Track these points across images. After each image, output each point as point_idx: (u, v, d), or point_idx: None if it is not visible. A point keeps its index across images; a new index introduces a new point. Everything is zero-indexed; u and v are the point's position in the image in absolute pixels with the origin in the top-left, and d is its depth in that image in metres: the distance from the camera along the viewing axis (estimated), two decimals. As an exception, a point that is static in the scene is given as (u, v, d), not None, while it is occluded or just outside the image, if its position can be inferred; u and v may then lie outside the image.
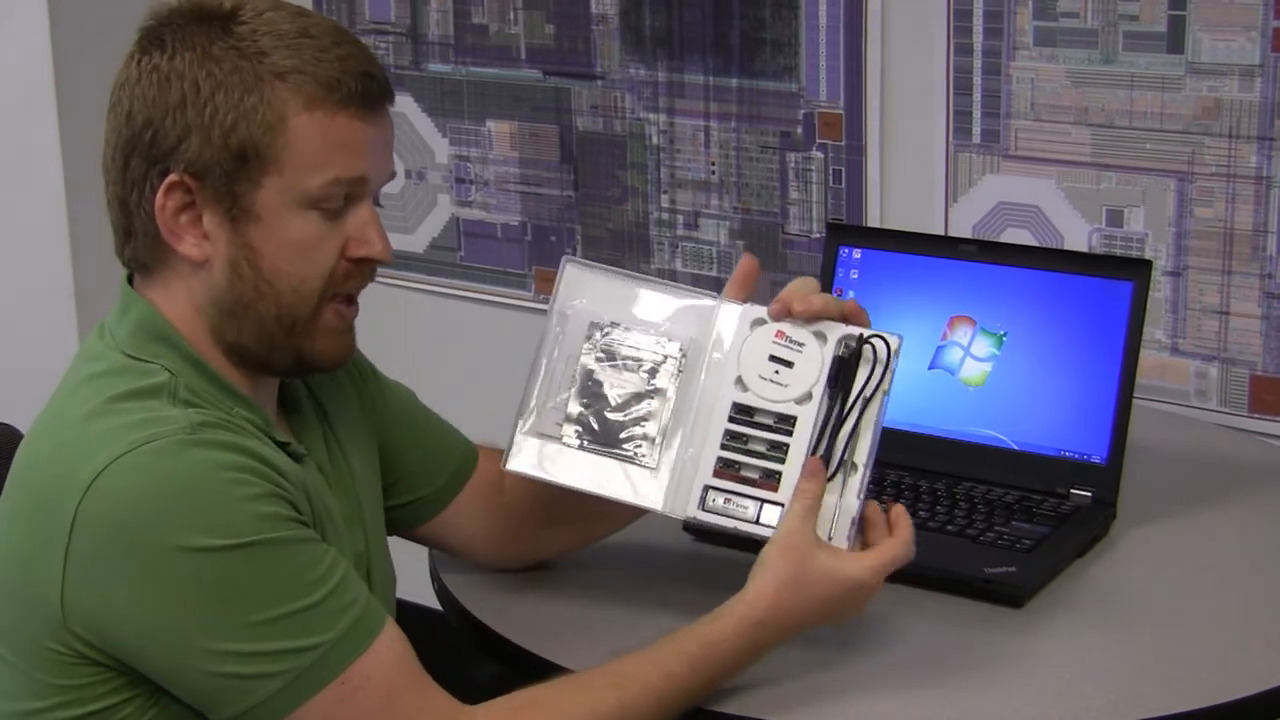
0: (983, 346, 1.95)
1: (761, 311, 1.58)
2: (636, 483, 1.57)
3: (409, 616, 1.66)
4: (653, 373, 1.59)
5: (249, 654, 1.37)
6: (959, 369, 1.96)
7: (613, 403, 1.59)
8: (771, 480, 1.54)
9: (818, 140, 2.54)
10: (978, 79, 2.38)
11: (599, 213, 2.79)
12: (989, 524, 1.82)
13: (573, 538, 1.76)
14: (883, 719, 1.51)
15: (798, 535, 1.50)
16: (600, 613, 1.69)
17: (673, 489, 1.57)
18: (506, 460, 1.59)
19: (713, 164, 2.65)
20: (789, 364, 1.56)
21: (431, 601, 1.78)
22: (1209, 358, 2.28)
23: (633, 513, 1.67)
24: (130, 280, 1.52)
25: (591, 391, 1.59)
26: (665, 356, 1.60)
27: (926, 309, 1.97)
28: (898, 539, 1.52)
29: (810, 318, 1.56)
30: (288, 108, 1.43)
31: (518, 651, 1.62)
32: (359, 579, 1.45)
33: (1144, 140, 2.27)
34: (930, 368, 1.96)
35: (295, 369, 1.53)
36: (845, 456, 1.53)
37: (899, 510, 1.55)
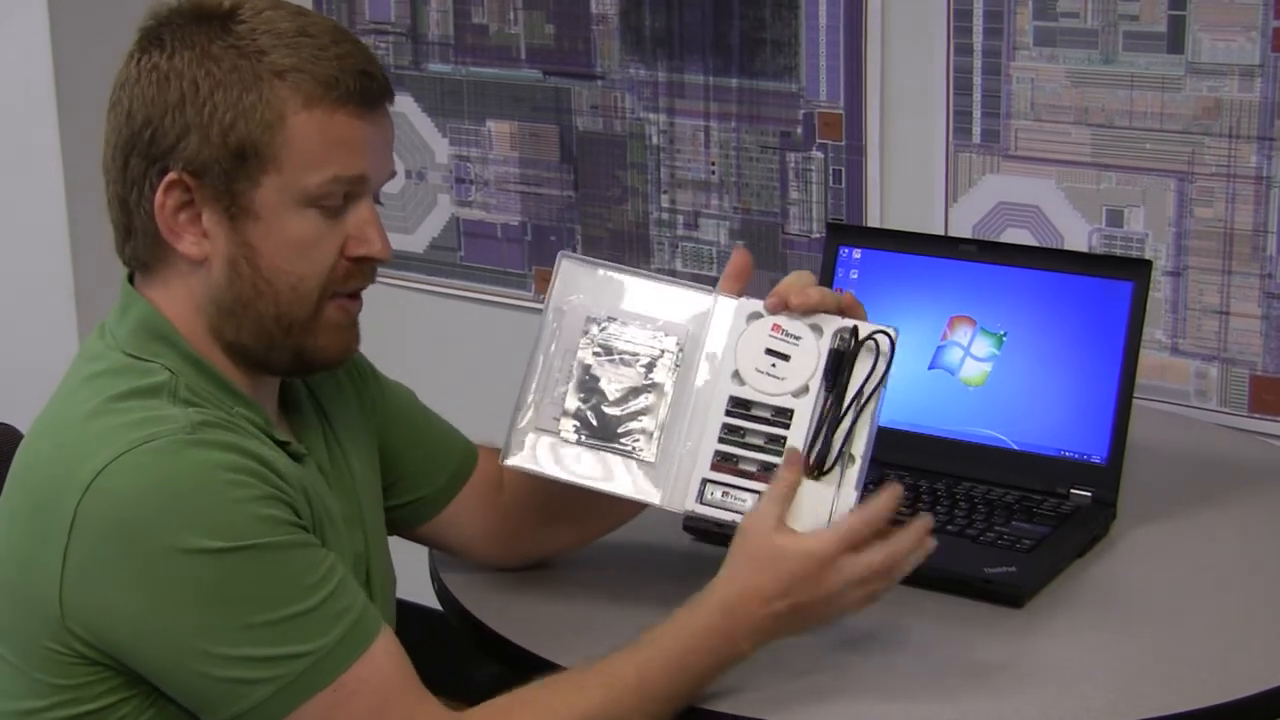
0: (983, 346, 1.95)
1: (758, 305, 1.58)
2: (635, 477, 1.58)
3: (409, 616, 1.66)
4: (650, 367, 1.59)
5: (243, 657, 1.37)
6: (959, 369, 1.96)
7: (610, 397, 1.59)
8: (769, 473, 1.54)
9: (818, 140, 2.54)
10: (978, 79, 2.38)
11: (599, 213, 2.79)
12: (989, 524, 1.81)
13: (572, 536, 1.76)
14: (882, 719, 1.51)
15: (759, 518, 1.50)
16: (600, 612, 1.68)
17: (671, 483, 1.57)
18: (505, 456, 1.59)
19: (713, 164, 2.65)
20: (785, 357, 1.56)
21: (431, 601, 1.77)
22: (1209, 358, 2.28)
23: (631, 509, 1.67)
24: (131, 280, 1.52)
25: (589, 386, 1.59)
26: (662, 351, 1.60)
27: (926, 309, 1.97)
28: (858, 511, 1.50)
29: (807, 311, 1.56)
30: (286, 106, 1.43)
31: (517, 651, 1.62)
32: (356, 584, 1.45)
33: (1144, 140, 2.27)
34: (930, 368, 1.96)
35: (294, 368, 1.53)
36: (843, 449, 1.53)
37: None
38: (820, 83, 2.52)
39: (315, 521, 1.46)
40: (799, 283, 1.58)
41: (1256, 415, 2.25)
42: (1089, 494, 1.87)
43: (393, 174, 1.52)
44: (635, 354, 1.60)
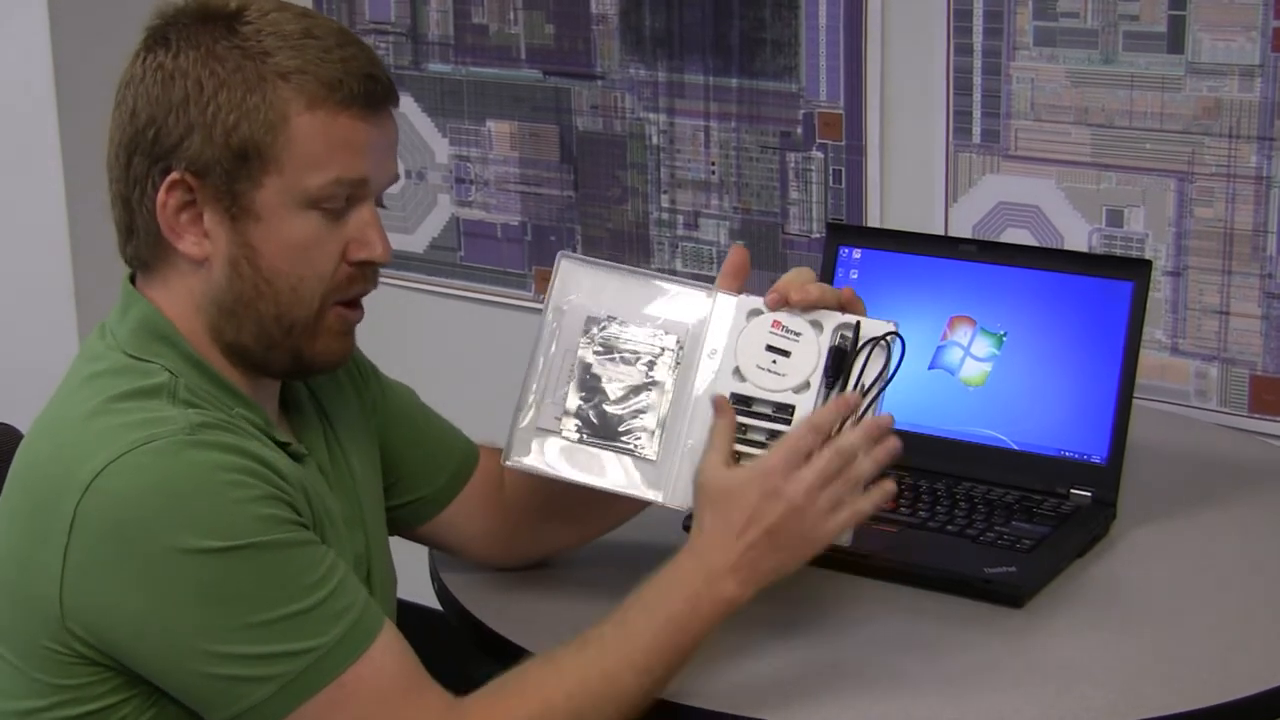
0: (983, 346, 1.95)
1: (758, 302, 1.58)
2: (636, 475, 1.58)
3: (409, 616, 1.66)
4: (650, 365, 1.60)
5: (244, 656, 1.37)
6: (959, 369, 1.96)
7: (611, 396, 1.59)
8: None
9: (818, 140, 2.54)
10: (978, 79, 2.38)
11: (599, 213, 2.79)
12: (989, 524, 1.81)
13: (572, 535, 1.76)
14: (882, 719, 1.51)
15: (707, 467, 1.51)
16: (600, 612, 1.68)
17: (672, 480, 1.57)
18: (507, 456, 1.60)
19: (713, 164, 2.65)
20: (786, 353, 1.56)
21: (431, 601, 1.78)
22: (1209, 358, 2.28)
23: (632, 506, 1.67)
24: (132, 279, 1.52)
25: (590, 385, 1.60)
26: (662, 349, 1.60)
27: (926, 309, 1.97)
28: (800, 421, 1.51)
29: (807, 307, 1.56)
30: (290, 107, 1.43)
31: (518, 651, 1.62)
32: (357, 582, 1.45)
33: (1144, 140, 2.27)
34: (930, 368, 1.96)
35: (292, 370, 1.53)
36: None
37: None
38: (820, 83, 2.52)
39: (316, 522, 1.46)
40: (799, 279, 1.58)
41: (1256, 415, 2.25)
42: (1089, 494, 1.88)
43: (396, 177, 1.52)
44: (636, 352, 1.60)
